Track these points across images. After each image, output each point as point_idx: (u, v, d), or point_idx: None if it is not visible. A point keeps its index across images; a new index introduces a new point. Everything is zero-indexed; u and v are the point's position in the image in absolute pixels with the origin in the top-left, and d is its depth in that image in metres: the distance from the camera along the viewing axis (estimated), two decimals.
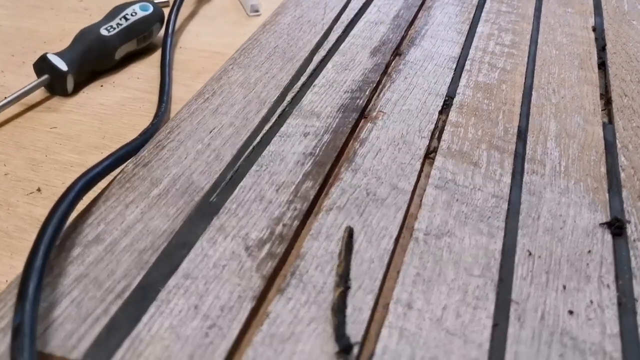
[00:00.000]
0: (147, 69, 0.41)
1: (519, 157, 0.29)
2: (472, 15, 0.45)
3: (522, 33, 0.42)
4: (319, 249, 0.23)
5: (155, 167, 0.27)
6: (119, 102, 0.37)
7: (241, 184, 0.27)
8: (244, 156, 0.28)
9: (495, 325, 0.21)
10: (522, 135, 0.31)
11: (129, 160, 0.28)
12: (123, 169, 0.27)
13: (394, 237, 0.24)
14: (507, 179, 0.28)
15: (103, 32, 0.39)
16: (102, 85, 0.38)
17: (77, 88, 0.38)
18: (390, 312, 0.21)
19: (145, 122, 0.34)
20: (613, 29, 0.43)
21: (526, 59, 0.39)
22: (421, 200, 0.26)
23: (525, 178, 0.28)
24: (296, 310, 0.21)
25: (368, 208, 0.26)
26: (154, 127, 0.31)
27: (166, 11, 0.44)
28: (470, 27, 0.43)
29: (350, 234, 0.24)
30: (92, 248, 0.23)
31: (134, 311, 0.20)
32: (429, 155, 0.29)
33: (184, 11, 0.49)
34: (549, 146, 0.30)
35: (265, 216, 0.25)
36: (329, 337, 0.20)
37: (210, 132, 0.30)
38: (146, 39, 0.42)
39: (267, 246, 0.23)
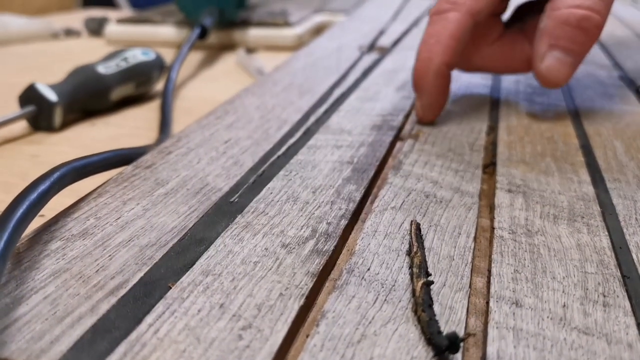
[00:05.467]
0: (144, 113, 0.36)
1: (593, 167, 0.25)
2: None
3: None
4: (379, 247, 0.18)
5: (160, 169, 0.22)
6: (112, 137, 0.32)
7: (269, 185, 0.21)
8: (268, 163, 0.23)
9: None
10: (587, 151, 0.27)
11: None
12: (120, 172, 0.22)
13: (472, 235, 0.19)
14: (589, 186, 0.23)
15: (100, 69, 0.35)
16: (94, 124, 0.34)
17: (66, 126, 0.33)
18: (493, 310, 0.15)
19: None
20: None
21: (562, 94, 0.35)
22: (493, 204, 0.21)
23: (609, 185, 0.23)
24: (363, 310, 0.15)
25: (431, 208, 0.20)
26: (157, 144, 0.26)
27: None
28: (493, 77, 0.40)
29: (418, 227, 0.19)
30: (77, 242, 0.17)
31: (133, 311, 0.14)
32: (486, 168, 0.25)
33: (184, 73, 0.46)
34: (621, 159, 0.26)
35: (304, 215, 0.19)
36: (417, 340, 0.14)
37: (226, 142, 0.25)
38: (145, 85, 0.38)
39: (310, 243, 0.18)
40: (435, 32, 0.28)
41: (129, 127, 0.33)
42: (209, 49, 0.55)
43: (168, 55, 0.50)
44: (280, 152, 0.25)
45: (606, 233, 0.19)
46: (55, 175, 0.17)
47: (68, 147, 0.30)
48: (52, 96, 0.31)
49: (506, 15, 0.34)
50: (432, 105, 0.29)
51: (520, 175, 0.23)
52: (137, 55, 0.38)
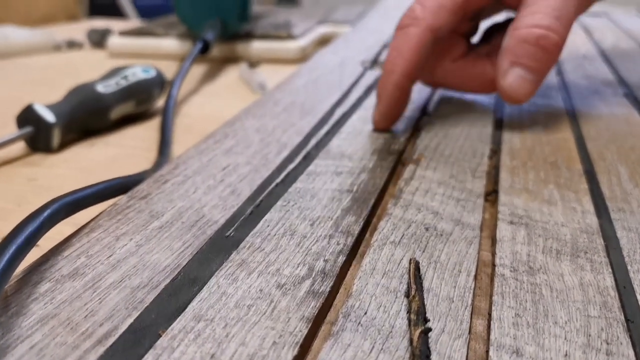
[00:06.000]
0: (144, 132, 0.36)
1: (597, 196, 0.24)
2: None
3: (554, 98, 0.39)
4: (376, 287, 0.17)
5: (156, 199, 0.22)
6: (111, 158, 0.32)
7: (265, 217, 0.21)
8: (266, 192, 0.23)
9: None
10: (591, 177, 0.26)
11: (123, 195, 0.22)
12: (115, 202, 0.21)
13: (472, 273, 0.18)
14: (593, 216, 0.22)
15: (99, 88, 0.35)
16: (93, 144, 0.34)
17: (64, 146, 0.33)
18: None
19: None
20: None
21: (566, 115, 0.35)
22: (495, 236, 0.21)
23: (613, 215, 0.23)
24: None
25: (431, 243, 0.20)
26: (154, 170, 0.26)
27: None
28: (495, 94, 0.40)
29: (417, 266, 0.18)
30: (66, 284, 0.17)
31: None
32: (488, 196, 0.24)
33: (186, 88, 0.46)
34: (626, 187, 0.25)
35: (300, 251, 0.19)
36: None
37: (224, 169, 0.25)
38: (145, 102, 0.38)
39: (306, 283, 0.17)
40: (398, 45, 0.30)
41: (128, 147, 0.33)
42: (211, 62, 0.55)
43: (171, 68, 0.50)
44: (278, 180, 0.24)
45: (610, 270, 0.19)
46: (46, 213, 0.17)
47: (66, 169, 0.30)
48: (49, 117, 0.31)
49: (477, 37, 0.36)
50: (388, 114, 0.30)
51: (523, 205, 0.23)
52: (137, 73, 0.37)
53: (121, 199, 0.22)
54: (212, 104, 0.42)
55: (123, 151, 0.33)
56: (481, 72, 0.33)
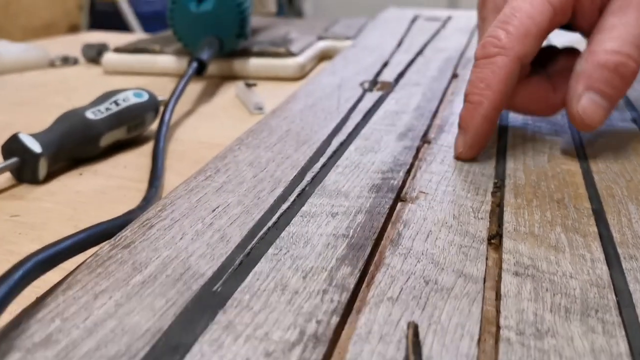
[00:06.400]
0: (136, 159, 0.35)
1: (606, 240, 0.23)
2: None
3: (559, 123, 0.38)
4: (372, 355, 0.16)
5: (139, 248, 0.20)
6: (99, 190, 0.30)
7: (255, 269, 0.20)
8: (257, 237, 0.22)
9: None
10: (600, 217, 0.25)
11: (105, 242, 0.21)
12: (95, 252, 0.20)
13: (476, 337, 0.17)
14: (603, 265, 0.21)
15: (89, 115, 0.34)
16: (81, 174, 0.32)
17: (51, 176, 0.32)
18: None
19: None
20: None
21: (572, 143, 0.34)
22: (499, 290, 0.19)
23: (625, 264, 0.21)
24: None
25: (431, 300, 0.19)
26: (141, 209, 0.25)
27: None
28: (500, 117, 0.38)
29: (415, 332, 0.17)
30: (37, 354, 0.15)
31: None
32: (492, 239, 0.23)
33: (181, 108, 0.45)
34: (637, 229, 0.24)
35: (291, 310, 0.18)
36: None
37: (214, 210, 0.24)
38: (137, 128, 0.37)
39: (296, 351, 0.16)
40: (485, 77, 0.29)
41: (118, 178, 0.32)
42: (207, 79, 0.53)
43: (167, 85, 0.48)
44: (271, 223, 0.23)
45: (623, 333, 0.17)
46: (17, 275, 0.16)
47: (52, 203, 0.29)
48: (36, 147, 0.30)
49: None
50: (475, 145, 0.30)
51: (529, 252, 0.22)
52: (128, 97, 0.36)
53: (103, 247, 0.20)
54: (207, 127, 0.41)
55: (113, 182, 0.31)
56: (544, 95, 0.33)
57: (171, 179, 0.32)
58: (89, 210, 0.28)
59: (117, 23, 2.10)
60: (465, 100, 0.30)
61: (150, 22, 2.20)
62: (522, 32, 0.29)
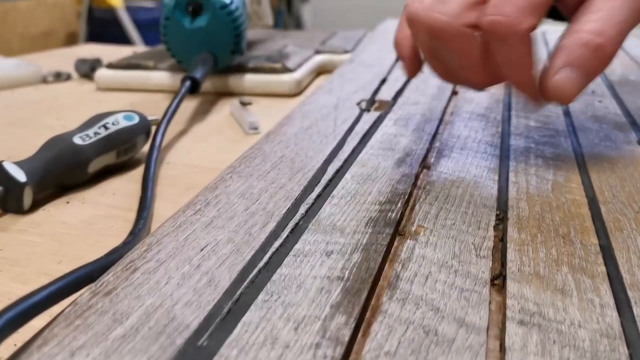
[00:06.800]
0: (125, 185, 0.34)
1: (616, 282, 0.22)
2: (500, 129, 0.40)
3: (563, 146, 0.37)
4: None
5: (121, 296, 0.19)
6: (86, 221, 0.29)
7: (244, 319, 0.19)
8: (247, 281, 0.21)
9: None
10: (608, 255, 0.24)
11: (86, 288, 0.20)
12: (75, 300, 0.19)
13: None
14: (613, 312, 0.20)
15: (76, 140, 0.32)
16: (68, 202, 0.31)
17: (37, 205, 0.31)
18: None
19: (116, 243, 0.26)
20: None
21: (576, 168, 0.33)
22: (503, 342, 0.18)
23: (636, 310, 0.20)
24: None
25: (432, 354, 0.17)
26: (127, 246, 0.24)
27: None
28: (502, 141, 0.37)
29: None
30: None
31: None
32: (495, 280, 0.22)
33: (174, 128, 0.44)
34: None
35: None
36: None
37: (202, 250, 0.22)
38: (128, 152, 0.36)
39: None
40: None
41: (106, 207, 0.31)
42: (202, 96, 0.52)
43: (161, 101, 0.47)
44: (262, 264, 0.22)
45: None
46: None
47: (36, 235, 0.28)
48: (20, 176, 0.29)
49: None
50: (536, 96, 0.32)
51: (534, 297, 0.21)
52: (118, 121, 0.35)
53: (82, 296, 0.19)
54: (200, 149, 0.40)
55: (100, 211, 0.30)
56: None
57: (161, 208, 0.31)
58: (74, 243, 0.27)
59: (115, 31, 2.09)
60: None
61: (148, 29, 2.20)
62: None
